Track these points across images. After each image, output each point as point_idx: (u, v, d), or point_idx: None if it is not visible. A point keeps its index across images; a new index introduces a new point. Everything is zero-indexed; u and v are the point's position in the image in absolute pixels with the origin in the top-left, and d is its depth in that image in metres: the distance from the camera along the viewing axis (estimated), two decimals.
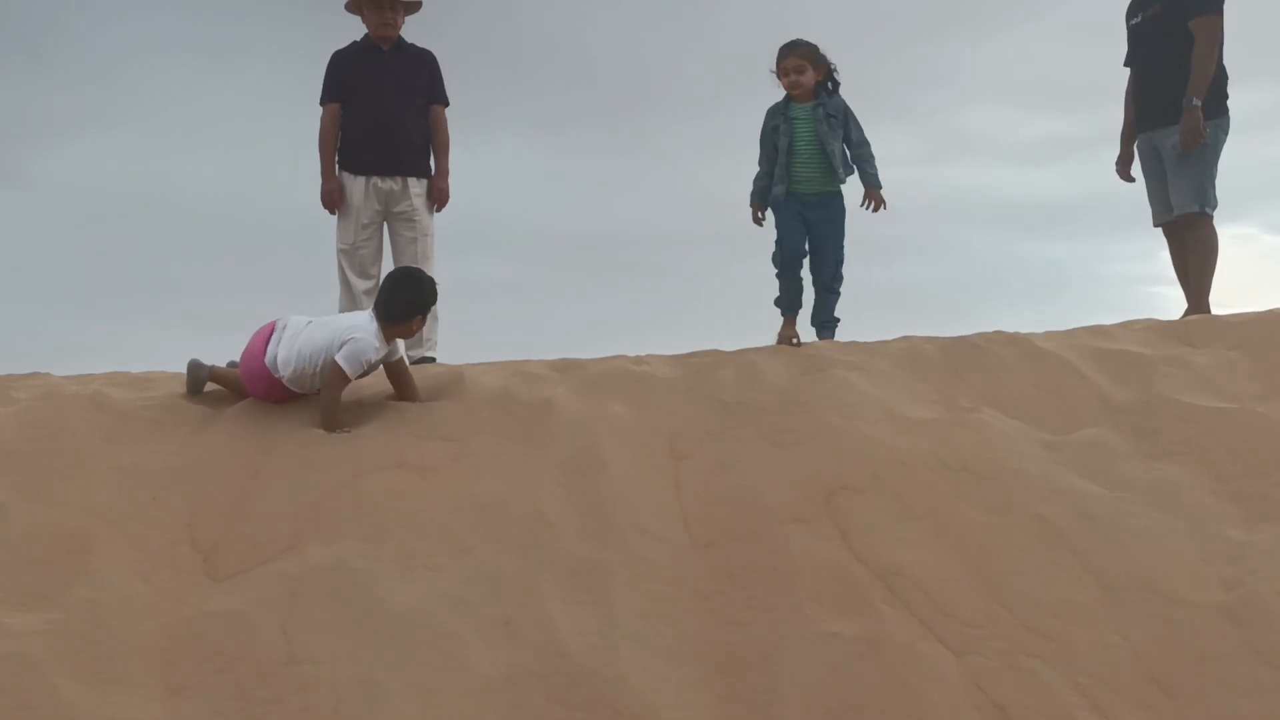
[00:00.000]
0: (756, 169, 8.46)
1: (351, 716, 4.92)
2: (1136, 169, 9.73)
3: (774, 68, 8.35)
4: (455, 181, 9.74)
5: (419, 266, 9.37)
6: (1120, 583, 5.53)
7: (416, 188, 9.51)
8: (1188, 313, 9.05)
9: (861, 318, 8.50)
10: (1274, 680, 5.04)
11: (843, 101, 8.32)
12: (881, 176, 8.26)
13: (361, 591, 5.64)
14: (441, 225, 9.76)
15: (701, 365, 7.75)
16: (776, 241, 8.42)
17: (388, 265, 9.57)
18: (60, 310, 23.43)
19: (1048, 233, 28.64)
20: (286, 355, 6.71)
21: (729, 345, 8.14)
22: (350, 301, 9.42)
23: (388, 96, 9.46)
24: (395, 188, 9.45)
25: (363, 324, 6.90)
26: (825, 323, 8.46)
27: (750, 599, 5.63)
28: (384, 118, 9.44)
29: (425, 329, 9.39)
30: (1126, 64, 9.77)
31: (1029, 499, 6.08)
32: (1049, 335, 7.95)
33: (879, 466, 6.42)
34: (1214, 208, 9.12)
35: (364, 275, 9.46)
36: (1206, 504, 6.10)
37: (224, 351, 7.31)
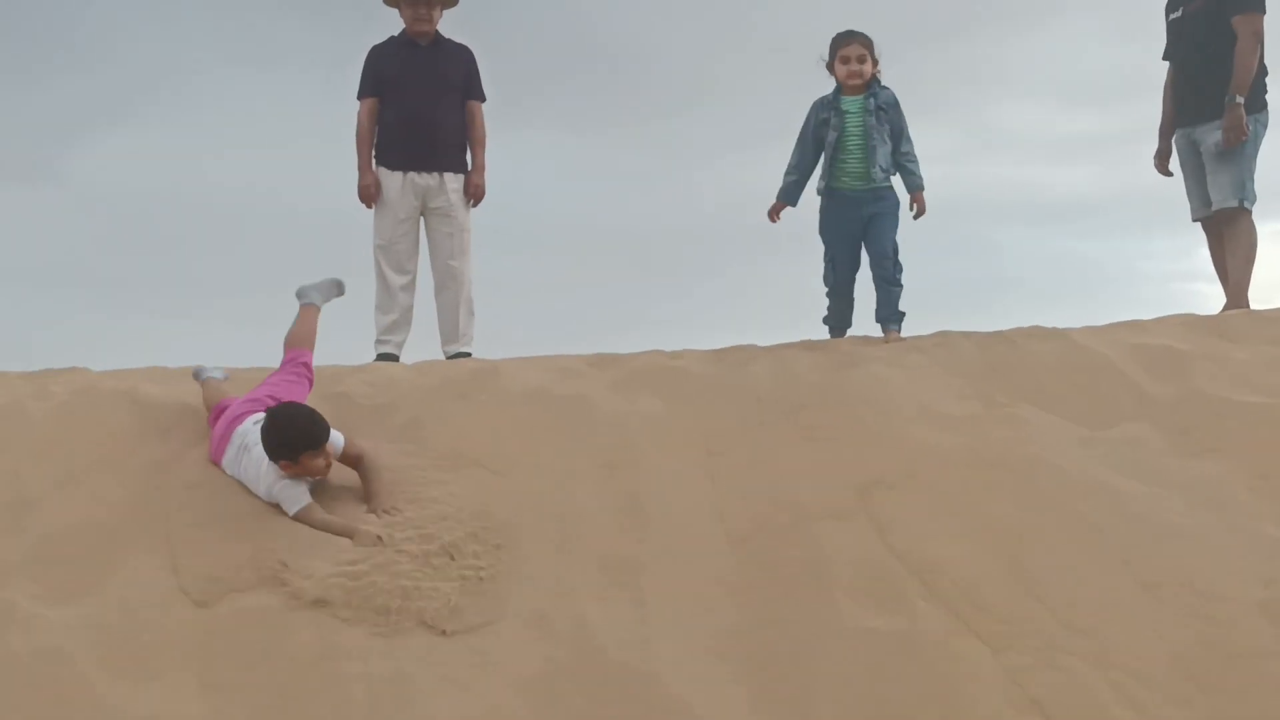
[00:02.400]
0: (788, 163, 8.44)
1: (386, 712, 4.93)
2: (1174, 164, 9.68)
3: (826, 57, 8.22)
4: (491, 177, 9.76)
5: (455, 262, 9.40)
6: (1157, 579, 5.50)
7: (453, 183, 9.52)
8: (1226, 308, 9.01)
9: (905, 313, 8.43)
10: None
11: (893, 95, 8.20)
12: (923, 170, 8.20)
13: (391, 579, 5.64)
14: (477, 221, 9.77)
15: (737, 361, 7.75)
16: (827, 260, 8.36)
17: (424, 261, 9.59)
18: (96, 306, 23.55)
19: (1084, 229, 28.50)
20: (232, 472, 6.51)
21: (764, 341, 8.14)
22: (386, 297, 9.43)
23: (425, 92, 9.48)
24: (432, 183, 9.47)
25: (271, 480, 6.22)
26: (890, 317, 8.36)
27: (785, 595, 5.62)
28: (421, 113, 9.46)
29: (462, 325, 9.41)
30: (1165, 58, 9.73)
31: (1065, 495, 6.06)
32: (1086, 331, 7.91)
33: (914, 462, 6.41)
34: (1253, 202, 9.08)
35: (400, 271, 9.47)
36: (1244, 500, 6.07)
37: (259, 348, 7.32)
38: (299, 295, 7.42)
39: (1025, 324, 7.94)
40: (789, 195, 8.34)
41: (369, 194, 9.50)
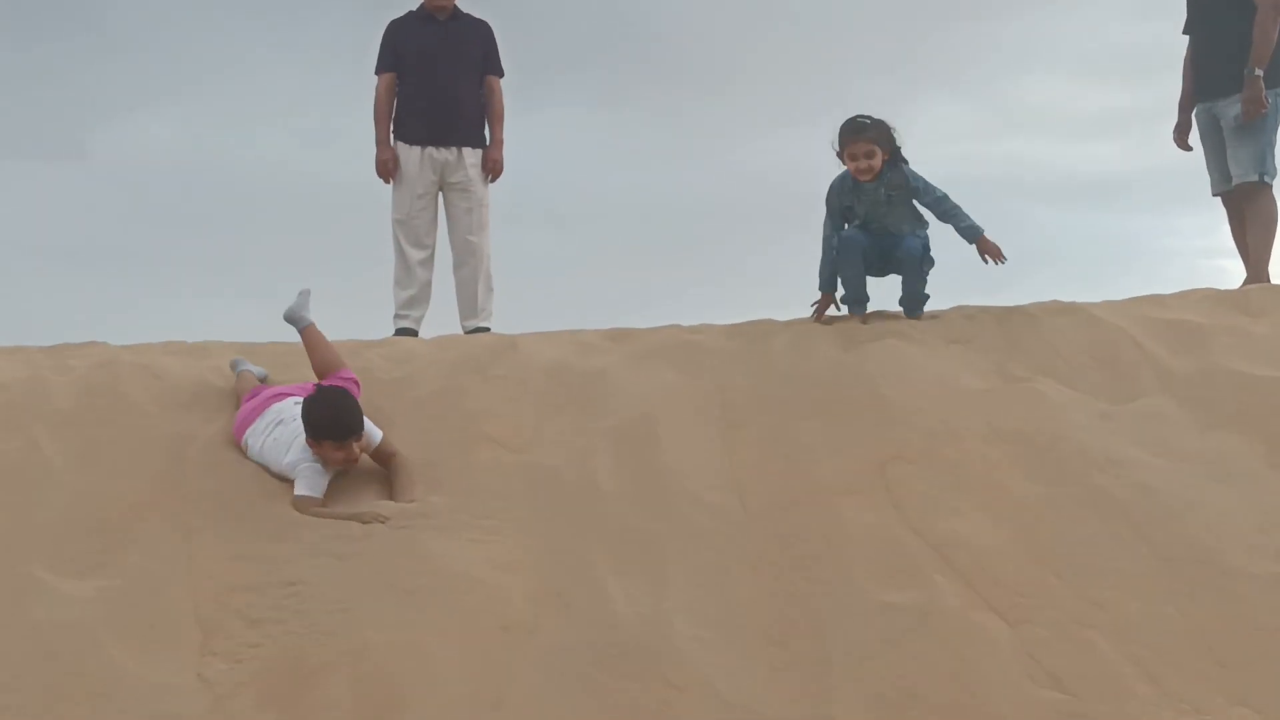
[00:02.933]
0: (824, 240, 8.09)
1: (404, 683, 4.94)
2: (1194, 138, 9.64)
3: (836, 145, 7.89)
4: (508, 152, 9.76)
5: (474, 237, 9.40)
6: (1176, 553, 5.49)
7: (471, 158, 9.53)
8: (1246, 282, 8.98)
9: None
10: None
11: (903, 173, 7.80)
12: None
13: (415, 558, 5.66)
14: (495, 196, 9.78)
15: (755, 335, 7.75)
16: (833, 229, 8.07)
17: (443, 235, 9.60)
18: (120, 281, 23.61)
19: (1106, 205, 28.42)
20: (254, 446, 6.49)
21: (782, 316, 8.13)
22: (405, 272, 9.45)
23: (443, 66, 9.48)
24: (450, 158, 9.47)
25: (297, 455, 6.26)
26: (915, 298, 8.02)
27: (803, 569, 5.62)
28: (439, 88, 9.46)
29: (480, 300, 9.42)
30: (1185, 32, 9.68)
31: (1084, 469, 6.05)
32: (1105, 305, 7.90)
33: (932, 437, 6.40)
34: (1274, 176, 9.04)
35: (419, 245, 9.48)
36: (1264, 475, 6.06)
37: (280, 324, 7.30)
38: (294, 321, 7.26)
39: (1045, 299, 7.92)
40: (831, 282, 8.02)
41: (387, 169, 9.51)
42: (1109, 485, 5.91)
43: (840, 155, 7.84)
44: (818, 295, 8.05)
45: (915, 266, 7.89)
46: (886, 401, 6.69)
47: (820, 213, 8.06)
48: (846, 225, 7.92)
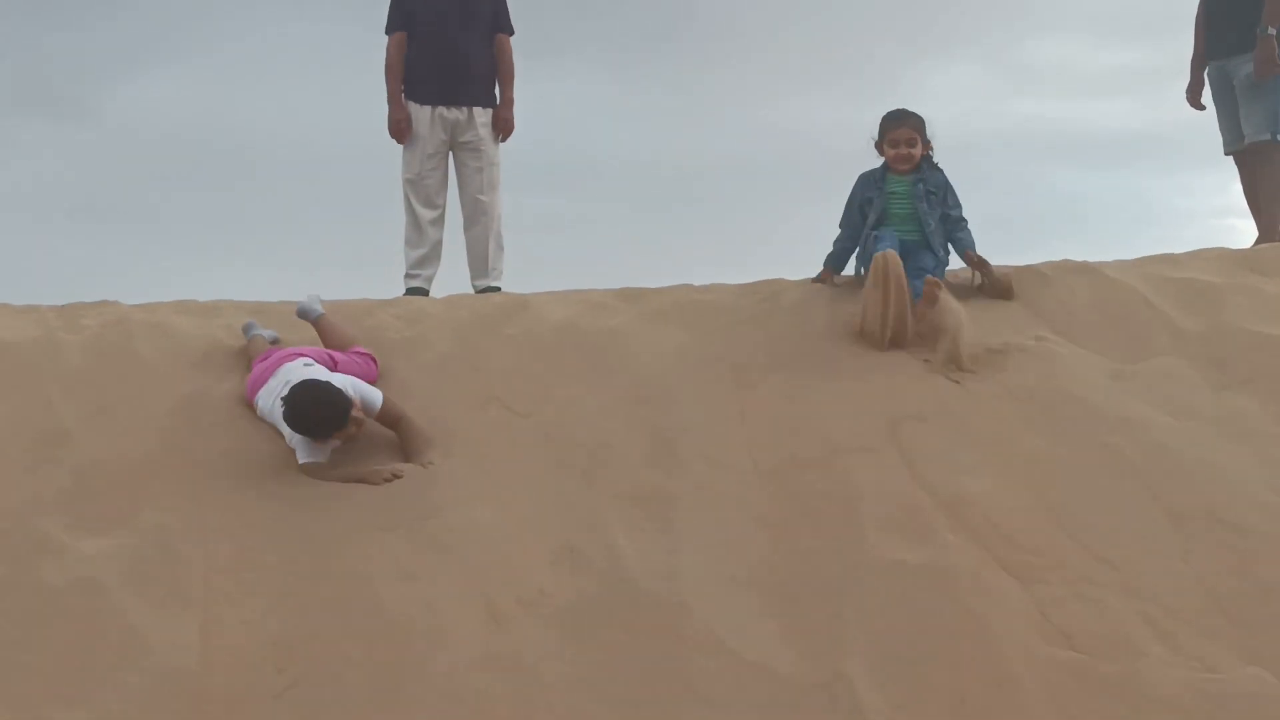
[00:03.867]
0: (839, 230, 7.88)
1: (417, 642, 4.96)
2: (1207, 97, 9.61)
3: (876, 136, 7.65)
4: (519, 111, 9.73)
5: (485, 197, 9.39)
6: (1188, 512, 5.50)
7: (482, 117, 9.50)
8: (1258, 241, 8.96)
9: None
10: None
11: (944, 177, 7.61)
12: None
13: (427, 514, 5.68)
14: (506, 155, 9.76)
15: (767, 294, 7.74)
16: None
17: (453, 195, 9.59)
18: (131, 241, 23.65)
19: (1117, 165, 28.37)
20: (264, 406, 6.47)
21: (794, 275, 8.12)
22: (416, 231, 9.44)
23: (453, 25, 9.44)
24: (461, 117, 9.45)
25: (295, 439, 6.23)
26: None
27: (815, 527, 5.63)
28: (449, 47, 9.43)
29: (491, 259, 9.42)
30: None
31: (1096, 428, 6.05)
32: (1118, 264, 7.88)
33: (944, 395, 6.41)
34: None
35: (430, 205, 9.47)
36: (1276, 434, 6.06)
37: (290, 283, 7.30)
38: (306, 315, 7.30)
39: (1057, 259, 7.90)
40: (837, 262, 7.87)
41: (400, 129, 9.49)
42: (1121, 444, 5.92)
43: (879, 145, 7.63)
44: (828, 246, 7.89)
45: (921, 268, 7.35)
46: (899, 360, 6.69)
47: (836, 184, 8.00)
48: (866, 219, 7.61)
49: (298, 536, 5.55)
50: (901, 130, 7.52)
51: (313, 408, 6.04)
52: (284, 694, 4.70)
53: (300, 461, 6.10)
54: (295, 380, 6.20)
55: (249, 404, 6.56)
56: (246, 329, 7.31)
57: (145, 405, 6.58)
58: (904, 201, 7.54)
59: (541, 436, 6.31)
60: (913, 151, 7.50)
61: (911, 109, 7.62)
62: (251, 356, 6.92)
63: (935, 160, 7.65)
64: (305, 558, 5.42)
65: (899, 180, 7.58)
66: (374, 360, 6.86)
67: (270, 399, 6.35)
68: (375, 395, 6.32)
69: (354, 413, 6.11)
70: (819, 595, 5.22)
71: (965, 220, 7.55)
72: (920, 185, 7.53)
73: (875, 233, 7.41)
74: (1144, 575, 5.18)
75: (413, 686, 4.71)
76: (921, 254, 7.35)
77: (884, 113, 7.68)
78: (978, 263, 7.51)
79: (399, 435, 6.36)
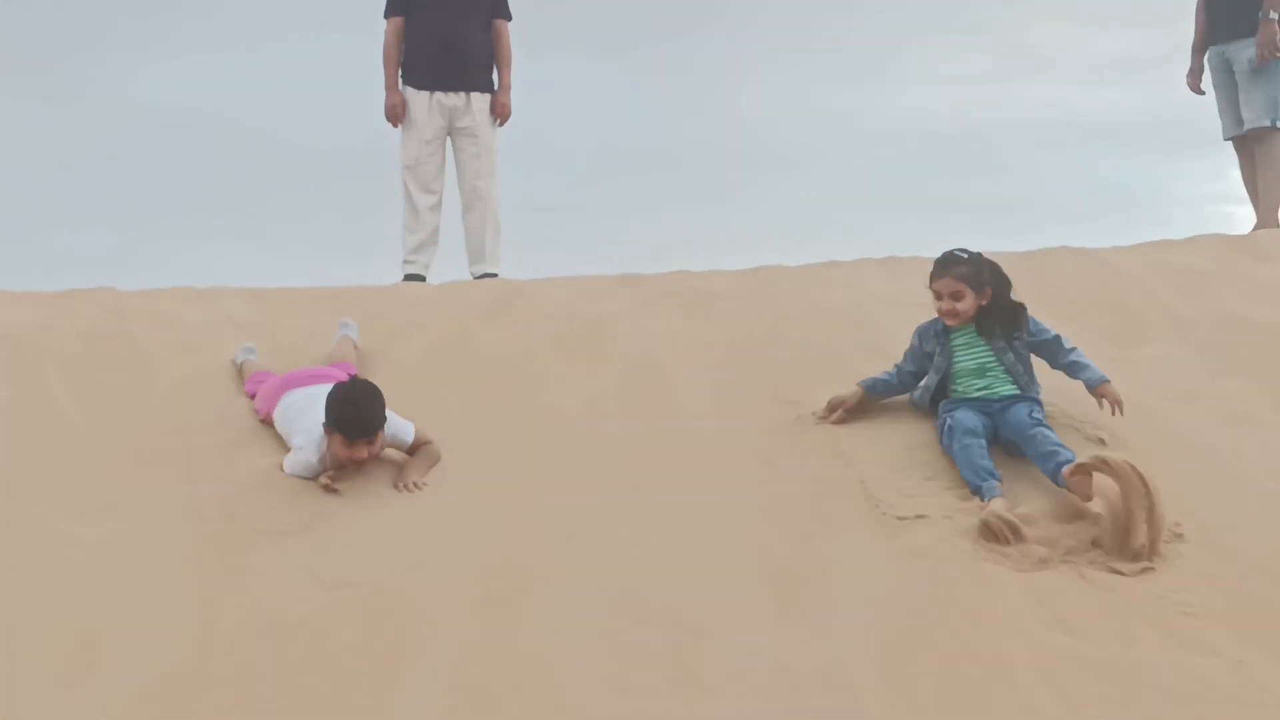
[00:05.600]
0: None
1: (414, 628, 4.95)
2: (1207, 82, 9.61)
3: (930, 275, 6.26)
4: (516, 97, 9.73)
5: (482, 183, 9.39)
6: (1186, 499, 5.48)
7: (479, 103, 9.51)
8: (1257, 227, 8.97)
9: (931, 235, 8.37)
10: None
11: (1013, 324, 6.17)
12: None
13: (425, 503, 5.68)
14: (502, 140, 9.76)
15: (765, 280, 7.75)
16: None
17: (451, 181, 9.59)
18: (128, 229, 23.66)
19: (1117, 151, 28.35)
20: (279, 423, 6.37)
21: (793, 261, 8.13)
22: (413, 217, 9.45)
23: (451, 10, 9.45)
24: (459, 103, 9.46)
25: (307, 435, 6.09)
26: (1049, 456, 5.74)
27: (814, 515, 5.63)
28: (447, 32, 9.44)
29: (489, 245, 9.42)
30: None
31: (1093, 413, 6.05)
32: (1115, 250, 7.89)
33: None
34: None
35: (427, 191, 9.48)
36: (1272, 419, 6.06)
37: (288, 271, 7.30)
38: (344, 326, 7.21)
39: (1054, 245, 7.90)
40: (874, 388, 6.39)
41: (395, 113, 9.50)
42: (1117, 429, 5.91)
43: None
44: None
45: (1028, 432, 5.87)
46: (896, 346, 6.69)
47: None
48: (927, 377, 6.28)
49: (292, 524, 5.54)
50: (943, 281, 6.16)
51: (366, 399, 5.92)
52: (283, 679, 4.70)
53: (284, 468, 6.00)
54: (295, 406, 6.17)
55: (265, 414, 6.45)
56: (236, 358, 7.14)
57: (141, 391, 6.58)
58: (973, 351, 6.21)
59: (538, 422, 6.32)
60: (958, 306, 6.11)
61: (966, 251, 6.22)
62: (245, 376, 6.84)
63: (1019, 309, 6.20)
64: (299, 545, 5.41)
65: (962, 330, 6.24)
66: None
67: (282, 417, 6.27)
68: (406, 428, 6.15)
69: (374, 441, 5.95)
70: (814, 580, 5.22)
71: (1060, 337, 6.17)
72: (982, 346, 6.18)
73: (948, 416, 6.02)
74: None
75: (412, 673, 4.70)
76: (1017, 407, 6.00)
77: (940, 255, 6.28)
78: (1115, 400, 5.95)
79: (412, 456, 6.16)
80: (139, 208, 24.07)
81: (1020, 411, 5.95)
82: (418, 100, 9.45)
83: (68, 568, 5.29)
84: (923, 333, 6.34)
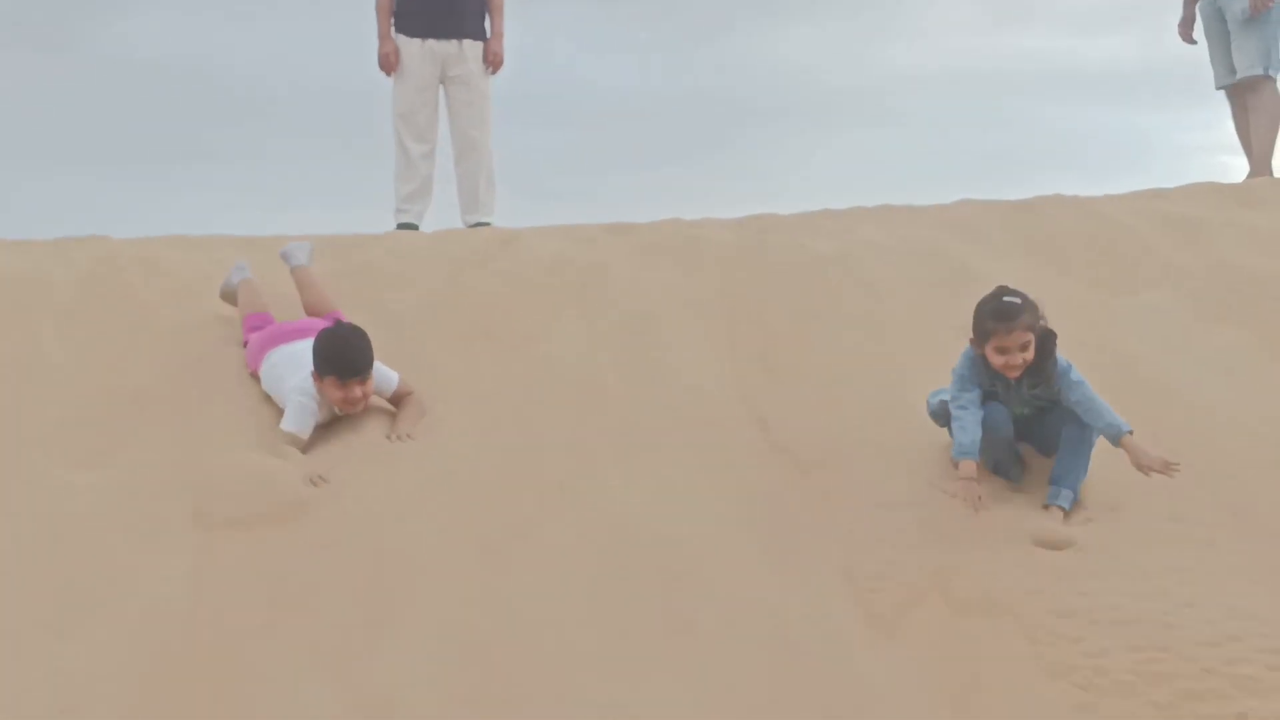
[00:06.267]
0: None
1: (403, 579, 4.96)
2: (1199, 31, 9.58)
3: (972, 332, 5.41)
4: (507, 46, 9.69)
5: (477, 131, 9.36)
6: (1177, 445, 5.49)
7: (472, 51, 9.45)
8: (1249, 176, 8.96)
9: (924, 185, 8.36)
10: None
11: (1051, 375, 5.40)
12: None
13: (418, 454, 5.69)
14: (496, 91, 9.73)
15: (757, 229, 7.74)
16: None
17: (444, 130, 9.56)
18: (122, 177, 23.63)
19: (1110, 100, 28.35)
20: (265, 382, 6.34)
21: (784, 211, 8.12)
22: (406, 166, 9.42)
23: None
24: (451, 50, 9.41)
25: (298, 385, 6.01)
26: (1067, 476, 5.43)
27: (804, 467, 5.65)
28: None
29: (482, 194, 9.40)
30: None
31: (1081, 361, 6.05)
32: (1108, 199, 7.88)
33: (935, 329, 6.41)
34: (1278, 70, 9.00)
35: (420, 139, 9.44)
36: (1263, 368, 6.08)
37: (276, 217, 7.25)
38: (287, 258, 7.10)
39: (1047, 194, 7.90)
40: (977, 451, 5.32)
41: (388, 62, 9.45)
42: (1106, 377, 5.91)
43: (980, 345, 5.38)
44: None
45: (1076, 447, 5.44)
46: (887, 293, 6.70)
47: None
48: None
49: (284, 474, 5.54)
50: (1014, 335, 5.27)
51: (354, 338, 5.95)
52: (274, 625, 4.72)
53: (282, 428, 5.94)
54: (285, 363, 6.14)
55: (252, 369, 6.41)
56: (229, 279, 7.09)
57: (136, 340, 6.58)
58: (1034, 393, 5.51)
59: (530, 372, 6.32)
60: (1026, 356, 5.32)
61: (1019, 294, 5.38)
62: (245, 307, 6.81)
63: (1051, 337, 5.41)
64: (290, 494, 5.41)
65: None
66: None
67: (270, 375, 6.23)
68: (390, 375, 6.16)
69: (366, 380, 5.96)
70: (808, 530, 5.24)
71: (1087, 390, 5.38)
72: (1025, 392, 5.51)
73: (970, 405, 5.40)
74: (1127, 506, 5.21)
75: (403, 622, 4.72)
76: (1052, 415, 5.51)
77: (986, 303, 5.40)
78: (1154, 465, 5.22)
79: (398, 407, 6.17)
80: (127, 153, 24.03)
81: (1074, 430, 5.40)
82: (410, 48, 9.41)
83: (60, 514, 5.30)
84: (971, 363, 5.44)
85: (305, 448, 5.87)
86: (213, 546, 5.12)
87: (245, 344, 6.53)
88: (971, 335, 5.39)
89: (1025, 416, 5.51)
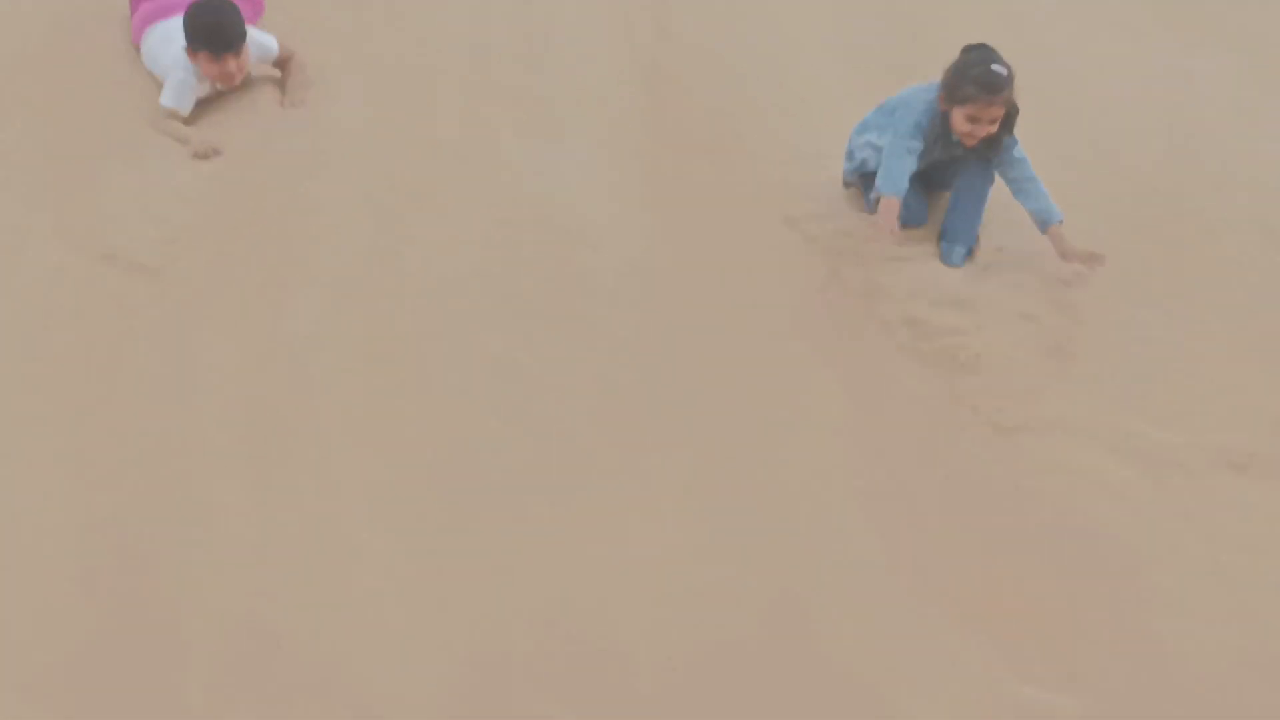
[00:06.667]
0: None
1: (305, 240, 4.97)
2: None
3: (944, 89, 5.13)
4: None
5: None
6: (1052, 99, 5.62)
7: None
8: None
9: None
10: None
11: (1006, 147, 5.21)
12: None
13: (307, 117, 5.74)
14: None
15: None
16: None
17: None
18: None
19: None
20: (145, 58, 6.17)
21: None
22: None
23: None
24: None
25: (179, 60, 5.85)
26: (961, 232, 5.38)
27: (703, 151, 5.70)
28: None
29: None
30: None
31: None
32: None
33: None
34: None
35: None
36: (1151, 31, 6.14)
37: None
38: None
39: None
40: (903, 187, 5.19)
41: None
42: (994, 37, 5.38)
43: (947, 105, 5.13)
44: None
45: (972, 202, 5.38)
46: None
47: None
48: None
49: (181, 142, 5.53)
50: (993, 108, 5.03)
51: (223, 9, 5.79)
52: (186, 281, 4.74)
53: (162, 104, 5.82)
54: (165, 36, 6.02)
55: (136, 41, 6.20)
56: None
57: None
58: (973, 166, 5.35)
59: (419, 36, 6.27)
60: (992, 129, 5.11)
61: (1006, 64, 5.06)
62: None
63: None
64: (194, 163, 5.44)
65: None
66: (258, 7, 6.60)
67: (147, 41, 6.08)
68: (269, 42, 6.04)
69: (239, 53, 5.84)
70: (695, 203, 5.30)
71: (1034, 178, 5.27)
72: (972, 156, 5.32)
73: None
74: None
75: (302, 280, 4.76)
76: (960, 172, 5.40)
77: (968, 64, 5.08)
78: (1078, 256, 5.20)
79: (283, 74, 6.11)
80: None
81: (976, 173, 5.32)
82: None
83: None
84: (930, 110, 5.20)
85: (188, 122, 5.80)
86: (86, 211, 5.12)
87: (131, 13, 6.41)
88: (942, 92, 5.12)
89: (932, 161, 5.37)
